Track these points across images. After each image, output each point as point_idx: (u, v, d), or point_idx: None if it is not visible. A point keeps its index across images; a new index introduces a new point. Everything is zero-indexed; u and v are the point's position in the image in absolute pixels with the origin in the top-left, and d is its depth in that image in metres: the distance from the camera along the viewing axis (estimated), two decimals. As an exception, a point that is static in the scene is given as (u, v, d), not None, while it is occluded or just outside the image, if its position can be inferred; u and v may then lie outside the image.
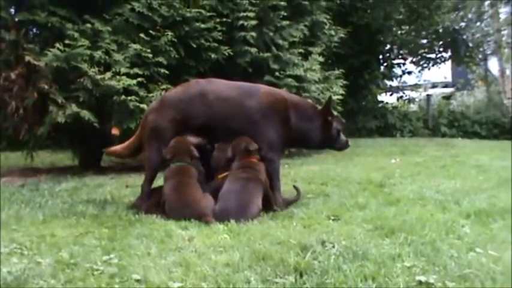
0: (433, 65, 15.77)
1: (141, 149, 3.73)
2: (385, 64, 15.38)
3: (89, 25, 5.61)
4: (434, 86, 18.45)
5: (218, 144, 3.58)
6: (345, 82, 8.45)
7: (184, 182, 3.29)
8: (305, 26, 7.55)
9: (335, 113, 4.23)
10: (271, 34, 6.93)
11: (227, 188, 3.23)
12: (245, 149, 3.39)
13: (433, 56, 15.50)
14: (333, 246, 2.35)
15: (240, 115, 3.51)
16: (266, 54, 6.76)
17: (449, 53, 15.32)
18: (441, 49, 15.30)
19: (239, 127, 3.48)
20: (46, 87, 5.39)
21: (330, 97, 3.94)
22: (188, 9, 6.09)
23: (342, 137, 3.89)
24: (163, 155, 3.42)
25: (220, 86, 3.66)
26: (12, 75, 5.43)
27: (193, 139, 3.48)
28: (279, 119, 3.56)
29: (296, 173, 5.43)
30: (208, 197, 3.21)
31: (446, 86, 18.74)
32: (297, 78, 7.04)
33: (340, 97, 8.00)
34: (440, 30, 14.54)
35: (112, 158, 6.53)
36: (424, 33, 14.87)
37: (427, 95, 14.90)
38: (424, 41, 15.42)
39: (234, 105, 3.52)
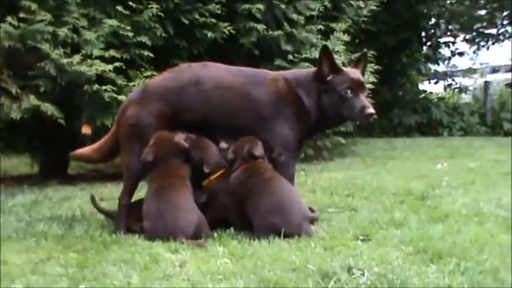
0: (493, 44, 15.68)
1: (116, 152, 3.76)
2: (428, 43, 15.35)
3: (51, -6, 5.65)
4: (494, 70, 18.36)
5: (222, 144, 3.60)
6: (376, 67, 8.40)
7: (167, 184, 3.30)
8: (326, -4, 7.56)
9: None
10: (282, 7, 6.93)
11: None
12: (248, 153, 3.41)
13: (493, 31, 15.39)
14: (362, 274, 2.36)
15: (246, 108, 3.54)
16: (276, 33, 6.76)
17: (515, 27, 15.23)
18: (504, 22, 15.18)
19: (244, 124, 3.52)
20: (-4, 73, 5.43)
21: (325, 46, 3.76)
22: (178, -25, 6.12)
23: (354, 101, 3.43)
24: (143, 158, 3.41)
25: (219, 72, 3.69)
26: (-49, 59, 5.46)
27: (181, 135, 3.51)
28: (292, 110, 3.58)
29: (314, 181, 5.44)
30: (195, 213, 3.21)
31: (511, 70, 18.62)
32: (316, 62, 7.00)
33: (370, 86, 7.98)
34: (504, -3, 14.41)
35: (82, 164, 6.56)
36: (481, 1, 14.74)
37: (485, 82, 14.83)
38: (482, 12, 15.29)
39: (239, 95, 3.55)
